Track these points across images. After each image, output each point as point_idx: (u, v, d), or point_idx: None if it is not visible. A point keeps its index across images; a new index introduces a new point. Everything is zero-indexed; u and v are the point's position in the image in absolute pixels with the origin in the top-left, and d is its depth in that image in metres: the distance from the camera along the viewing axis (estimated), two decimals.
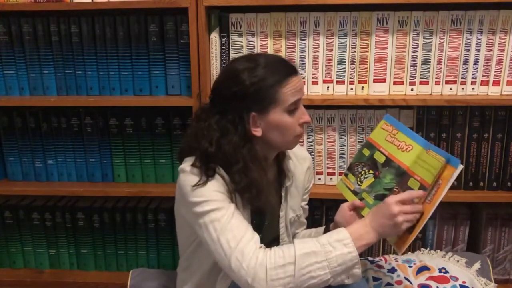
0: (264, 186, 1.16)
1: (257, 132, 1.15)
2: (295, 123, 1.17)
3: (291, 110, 1.15)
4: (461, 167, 1.10)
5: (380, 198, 1.20)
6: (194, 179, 1.13)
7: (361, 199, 1.26)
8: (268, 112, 1.14)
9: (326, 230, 1.33)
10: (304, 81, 1.62)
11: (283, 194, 1.32)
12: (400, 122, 1.27)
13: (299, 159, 1.36)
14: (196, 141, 1.16)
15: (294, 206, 1.37)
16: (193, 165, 1.15)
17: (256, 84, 1.11)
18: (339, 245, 1.06)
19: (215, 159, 1.14)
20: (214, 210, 1.11)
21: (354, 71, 1.62)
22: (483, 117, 1.62)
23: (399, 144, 1.22)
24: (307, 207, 1.47)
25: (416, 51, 1.59)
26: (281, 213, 1.33)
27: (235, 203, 1.15)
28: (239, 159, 1.13)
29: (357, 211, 1.26)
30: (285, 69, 1.15)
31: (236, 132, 1.13)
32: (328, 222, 1.67)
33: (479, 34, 1.56)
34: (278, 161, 1.30)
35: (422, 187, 1.14)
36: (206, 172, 1.13)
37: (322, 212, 1.76)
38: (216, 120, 1.15)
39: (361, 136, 1.68)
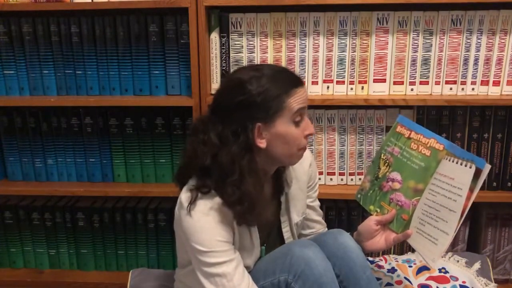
0: (258, 200, 1.11)
1: (262, 143, 1.12)
2: (300, 135, 1.14)
3: (297, 121, 1.13)
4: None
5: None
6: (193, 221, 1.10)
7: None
8: (274, 122, 1.11)
9: None
10: (306, 81, 1.63)
11: (282, 200, 1.31)
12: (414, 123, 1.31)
13: None
14: (194, 156, 1.11)
15: (301, 209, 1.36)
16: (191, 190, 1.11)
17: (262, 93, 1.08)
18: None
19: (212, 173, 1.10)
20: (219, 263, 1.10)
21: (354, 71, 1.62)
22: (483, 117, 1.62)
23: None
24: (315, 204, 1.43)
25: (416, 51, 1.59)
26: (283, 219, 1.32)
27: (238, 231, 1.15)
28: (235, 170, 1.08)
29: (383, 225, 1.27)
30: (291, 80, 1.13)
31: (236, 142, 1.09)
32: (329, 222, 1.67)
33: (479, 34, 1.56)
34: (277, 170, 1.27)
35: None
36: (200, 190, 1.10)
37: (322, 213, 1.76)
38: (217, 131, 1.10)
39: (361, 136, 1.67)
